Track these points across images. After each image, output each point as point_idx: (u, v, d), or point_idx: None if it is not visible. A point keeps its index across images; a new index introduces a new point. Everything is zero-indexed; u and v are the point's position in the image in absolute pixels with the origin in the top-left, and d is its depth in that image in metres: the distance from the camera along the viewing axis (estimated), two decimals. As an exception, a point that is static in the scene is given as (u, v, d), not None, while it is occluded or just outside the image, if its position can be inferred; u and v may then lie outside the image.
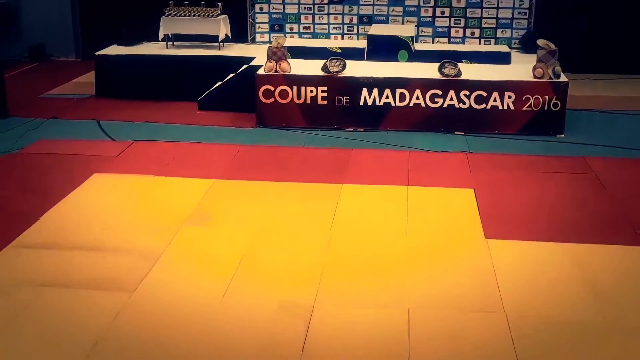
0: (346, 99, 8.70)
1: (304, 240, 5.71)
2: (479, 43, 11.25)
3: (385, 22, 11.35)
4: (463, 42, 11.29)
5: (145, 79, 10.08)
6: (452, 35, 11.32)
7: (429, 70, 8.79)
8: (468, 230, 5.90)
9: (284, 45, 8.86)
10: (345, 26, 11.46)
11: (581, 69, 10.97)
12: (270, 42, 10.80)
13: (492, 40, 11.25)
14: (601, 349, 4.26)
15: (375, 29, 10.57)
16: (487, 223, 5.99)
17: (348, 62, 8.84)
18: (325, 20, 11.45)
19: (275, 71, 8.75)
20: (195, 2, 10.49)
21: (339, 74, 8.71)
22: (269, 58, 8.78)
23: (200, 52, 10.40)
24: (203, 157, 7.70)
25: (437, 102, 8.60)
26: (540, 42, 8.59)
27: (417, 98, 8.59)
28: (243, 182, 6.95)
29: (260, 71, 8.83)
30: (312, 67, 8.89)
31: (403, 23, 11.31)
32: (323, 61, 8.80)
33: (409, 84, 8.59)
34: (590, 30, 11.60)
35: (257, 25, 11.56)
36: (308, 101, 8.73)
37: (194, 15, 10.40)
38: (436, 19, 11.29)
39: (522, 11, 11.12)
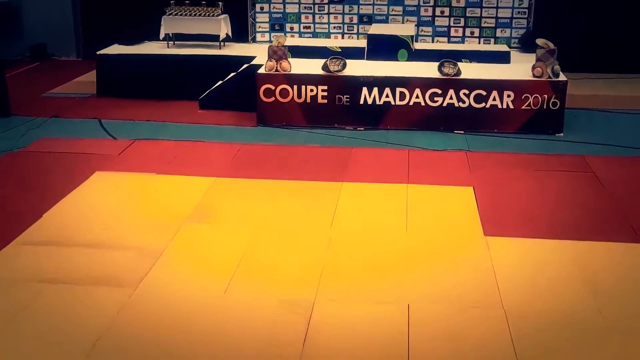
0: (346, 98, 8.74)
1: (305, 238, 5.74)
2: (479, 42, 11.28)
3: (385, 21, 11.38)
4: (463, 42, 11.32)
5: (147, 78, 10.12)
6: (451, 35, 11.35)
7: (428, 70, 8.83)
8: (467, 228, 5.94)
9: (285, 44, 8.90)
10: (346, 26, 11.49)
11: (580, 68, 11.01)
12: (270, 41, 10.83)
13: (492, 40, 11.28)
14: (601, 347, 4.29)
15: (375, 29, 10.60)
16: (486, 221, 6.04)
17: (348, 61, 8.88)
18: (325, 20, 11.49)
19: (276, 70, 8.79)
20: (196, 2, 10.52)
21: (339, 73, 8.75)
22: (270, 57, 8.82)
23: (201, 51, 10.43)
24: (204, 156, 7.74)
25: (436, 101, 8.64)
26: (540, 41, 8.63)
27: (417, 97, 8.63)
28: (244, 180, 6.99)
29: (261, 70, 8.87)
30: (313, 67, 8.93)
31: (403, 22, 11.34)
32: (323, 60, 8.83)
33: (409, 83, 8.63)
34: (590, 29, 11.64)
35: (257, 25, 11.59)
36: (308, 100, 8.77)
37: (194, 15, 10.44)
38: (436, 18, 11.33)
39: (521, 11, 11.16)
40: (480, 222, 6.01)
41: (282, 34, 11.29)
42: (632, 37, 11.58)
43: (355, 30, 11.49)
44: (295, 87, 8.74)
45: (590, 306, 4.71)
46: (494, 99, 8.55)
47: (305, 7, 11.45)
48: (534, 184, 6.92)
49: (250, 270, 5.20)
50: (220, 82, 9.64)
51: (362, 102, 8.72)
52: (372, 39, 10.12)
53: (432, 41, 11.38)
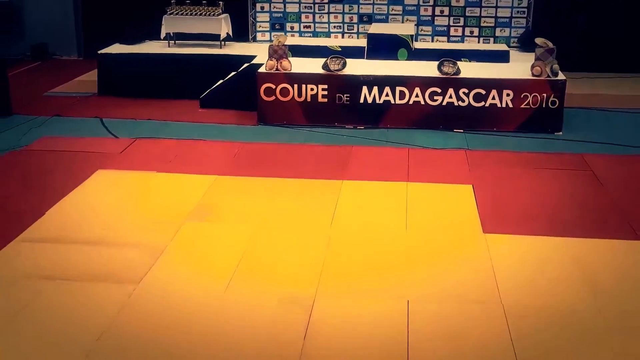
0: (346, 97, 8.78)
1: (305, 236, 5.78)
2: (478, 42, 11.31)
3: (385, 21, 11.42)
4: (462, 41, 11.36)
5: (148, 77, 10.16)
6: (451, 34, 11.39)
7: (428, 69, 8.87)
8: (466, 225, 5.98)
9: (285, 43, 8.94)
10: (346, 25, 11.53)
11: (579, 67, 11.05)
12: (271, 40, 10.87)
13: (491, 39, 11.32)
14: (600, 347, 4.31)
15: (375, 28, 10.63)
16: (486, 218, 6.08)
17: (348, 60, 8.92)
18: (325, 19, 11.53)
19: (277, 69, 8.83)
20: (196, 1, 10.56)
21: (340, 72, 8.79)
22: (270, 56, 8.86)
23: (202, 50, 10.47)
24: (205, 154, 7.78)
25: (436, 100, 8.68)
26: (538, 40, 8.67)
27: (417, 96, 8.68)
28: (244, 178, 7.03)
29: (262, 69, 8.91)
30: (313, 66, 8.96)
31: (403, 22, 11.38)
32: (324, 60, 8.88)
33: (409, 82, 8.68)
34: (589, 29, 11.68)
35: (258, 24, 11.63)
36: (309, 99, 8.82)
37: (195, 14, 10.48)
38: (435, 18, 11.37)
39: (520, 10, 11.20)
40: (480, 220, 6.05)
41: (283, 33, 11.32)
42: (631, 36, 11.61)
43: (355, 30, 11.53)
44: (295, 86, 8.79)
45: (590, 305, 4.75)
46: (493, 98, 8.59)
47: (305, 7, 11.48)
48: (532, 182, 6.96)
49: (250, 268, 5.24)
50: (221, 81, 9.68)
51: (362, 101, 8.77)
52: (372, 38, 10.15)
53: (432, 40, 11.41)
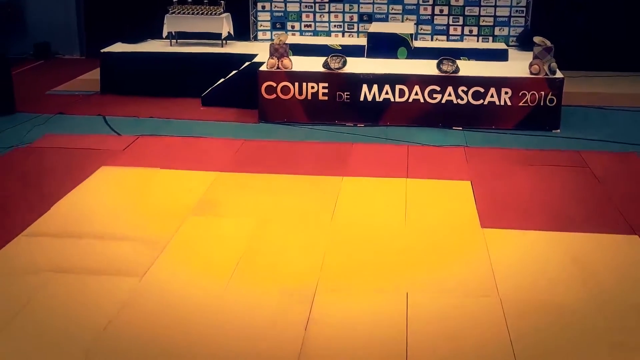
0: (347, 95, 8.87)
1: (306, 231, 5.85)
2: (477, 40, 11.41)
3: (385, 20, 11.51)
4: (461, 40, 11.45)
5: (150, 76, 10.25)
6: (450, 33, 11.48)
7: (427, 67, 8.96)
8: (465, 220, 6.06)
9: (286, 42, 9.02)
10: (346, 24, 11.63)
11: (578, 66, 11.14)
12: (272, 39, 10.95)
13: (490, 38, 11.42)
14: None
15: (375, 27, 10.71)
16: (484, 213, 6.16)
17: (348, 59, 9.00)
18: (326, 19, 11.62)
19: (278, 68, 8.91)
20: (198, 1, 10.63)
21: (340, 71, 8.88)
22: (271, 55, 8.95)
23: (204, 49, 10.55)
24: (207, 151, 7.86)
25: (435, 98, 8.76)
26: (537, 39, 8.76)
27: (416, 94, 8.76)
28: (246, 175, 7.10)
29: (263, 68, 9.00)
30: (314, 64, 9.05)
31: (402, 21, 11.47)
32: (324, 58, 8.96)
33: (408, 80, 8.76)
34: (587, 28, 11.75)
35: (259, 23, 11.73)
36: (309, 97, 8.90)
37: (197, 14, 10.56)
38: (435, 17, 11.47)
39: (519, 9, 11.29)
40: (478, 215, 6.12)
41: (284, 32, 11.42)
42: (629, 35, 11.69)
43: (355, 29, 11.62)
44: (296, 84, 8.87)
45: (584, 296, 4.82)
46: (492, 96, 8.67)
47: (306, 6, 11.58)
48: (530, 179, 7.03)
49: (251, 262, 5.30)
50: (222, 79, 9.77)
51: (362, 99, 8.86)
52: (372, 37, 10.22)
53: (431, 39, 11.50)
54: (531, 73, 8.68)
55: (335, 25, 11.64)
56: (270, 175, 7.08)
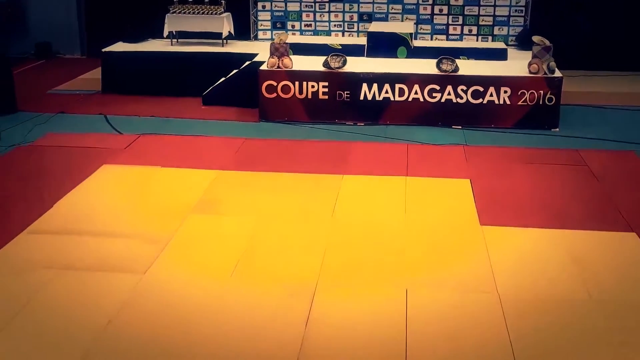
0: (347, 94, 8.91)
1: (306, 228, 5.89)
2: (477, 40, 11.46)
3: (385, 19, 11.55)
4: (461, 39, 11.49)
5: (151, 75, 10.29)
6: (450, 33, 11.53)
7: (427, 66, 9.00)
8: (464, 218, 6.10)
9: (286, 41, 9.07)
10: (346, 23, 11.68)
11: (576, 65, 11.18)
12: (272, 39, 10.99)
13: (489, 38, 11.46)
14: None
15: (375, 26, 10.74)
16: (483, 211, 6.20)
17: (348, 58, 9.04)
18: (326, 18, 11.67)
19: (278, 67, 8.96)
20: (199, 0, 10.67)
21: (340, 70, 8.92)
22: (272, 54, 8.99)
23: (204, 48, 10.59)
24: (207, 150, 7.89)
25: (435, 97, 8.81)
26: (535, 38, 8.81)
27: (416, 93, 8.81)
28: (246, 173, 7.14)
29: (263, 67, 9.04)
30: (314, 63, 9.09)
31: (402, 20, 11.51)
32: (324, 57, 9.00)
33: (408, 79, 8.81)
34: (587, 27, 11.79)
35: (259, 23, 11.77)
36: (310, 96, 8.95)
37: (198, 13, 10.60)
38: (435, 16, 11.51)
39: (518, 9, 11.34)
40: (477, 213, 6.17)
41: (284, 31, 11.47)
42: (628, 35, 11.74)
43: (355, 28, 11.67)
44: (296, 83, 8.92)
45: (582, 291, 4.87)
46: (491, 95, 8.72)
47: (306, 6, 11.63)
48: (529, 177, 7.07)
49: (252, 261, 5.33)
50: (223, 78, 9.81)
51: (362, 98, 8.90)
52: (372, 36, 10.25)
53: (431, 39, 11.54)
54: (530, 72, 8.73)
55: (335, 25, 11.68)
56: (270, 173, 7.12)
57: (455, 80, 8.75)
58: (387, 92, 8.85)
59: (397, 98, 8.85)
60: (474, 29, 11.47)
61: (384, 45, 10.05)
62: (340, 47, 10.19)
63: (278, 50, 8.97)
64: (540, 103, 8.67)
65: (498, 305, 4.70)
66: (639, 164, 7.50)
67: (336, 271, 5.17)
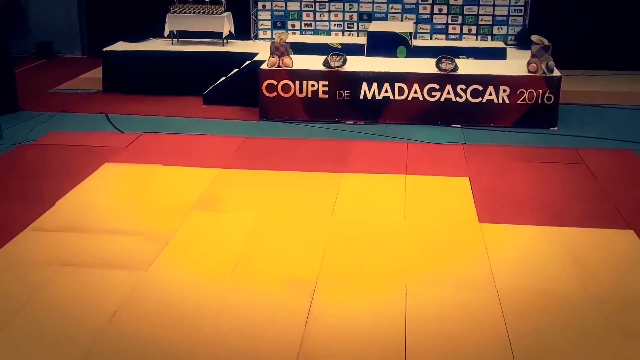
0: (347, 93, 8.95)
1: (306, 226, 5.93)
2: (476, 39, 11.49)
3: (385, 19, 11.59)
4: (460, 39, 11.52)
5: (152, 75, 10.33)
6: (449, 32, 11.57)
7: (426, 66, 9.04)
8: (463, 215, 6.13)
9: (287, 41, 9.11)
10: (346, 23, 11.71)
11: (575, 64, 11.22)
12: (272, 38, 11.01)
13: (489, 37, 11.50)
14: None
15: (375, 26, 10.78)
16: (482, 209, 6.24)
17: (348, 57, 9.07)
18: (326, 17, 11.71)
19: (278, 66, 9.00)
20: (199, 0, 10.72)
21: (340, 69, 8.96)
22: (272, 53, 9.03)
23: (205, 48, 10.62)
24: (208, 149, 7.93)
25: (434, 96, 8.85)
26: (534, 37, 8.84)
27: (416, 92, 8.85)
28: (247, 171, 7.18)
29: (264, 66, 9.08)
30: (314, 63, 9.12)
31: (402, 20, 11.55)
32: (324, 57, 9.04)
33: (408, 78, 8.85)
34: (586, 27, 11.82)
35: (259, 22, 11.81)
36: (310, 95, 8.98)
37: (198, 13, 10.63)
38: (434, 16, 11.55)
39: (517, 9, 11.37)
40: (476, 211, 6.20)
41: (284, 30, 11.50)
42: (627, 35, 11.77)
43: (355, 28, 11.71)
44: (296, 82, 8.95)
45: (580, 288, 4.90)
46: (490, 94, 8.75)
47: (306, 5, 11.67)
48: (528, 175, 7.10)
49: (252, 258, 5.36)
50: (223, 78, 9.84)
51: (361, 97, 8.94)
52: (371, 36, 10.29)
53: (431, 38, 11.58)
54: (529, 71, 8.77)
55: (335, 24, 11.72)
56: (271, 172, 7.15)
57: (454, 79, 8.79)
58: (386, 91, 8.88)
59: (397, 97, 8.89)
60: (473, 29, 11.51)
61: (383, 44, 10.09)
62: (340, 47, 10.23)
63: (278, 50, 9.01)
64: (539, 102, 8.71)
65: (497, 303, 4.72)
66: (637, 162, 7.55)
67: (336, 269, 5.20)
